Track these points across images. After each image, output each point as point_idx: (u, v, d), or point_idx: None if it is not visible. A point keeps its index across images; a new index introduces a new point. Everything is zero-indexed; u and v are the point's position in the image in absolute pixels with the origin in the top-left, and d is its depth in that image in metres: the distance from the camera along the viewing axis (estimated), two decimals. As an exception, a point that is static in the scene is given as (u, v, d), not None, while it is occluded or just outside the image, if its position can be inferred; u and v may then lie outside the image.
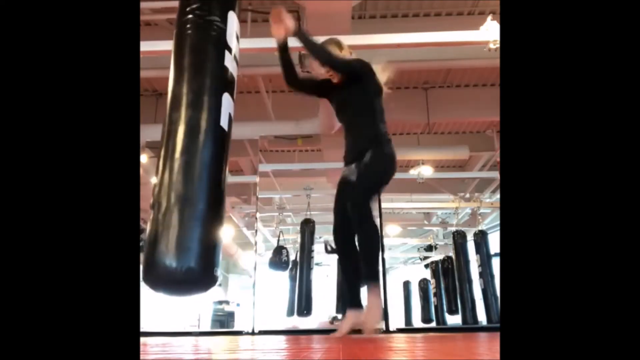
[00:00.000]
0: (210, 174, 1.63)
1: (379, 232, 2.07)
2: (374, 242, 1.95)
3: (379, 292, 1.91)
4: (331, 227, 2.19)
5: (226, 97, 1.76)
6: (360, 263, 1.98)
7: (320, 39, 2.38)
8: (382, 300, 1.97)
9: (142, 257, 1.57)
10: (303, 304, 5.60)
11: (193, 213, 1.54)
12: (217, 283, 1.64)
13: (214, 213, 1.61)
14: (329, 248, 5.87)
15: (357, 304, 2.00)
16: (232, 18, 1.87)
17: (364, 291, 2.00)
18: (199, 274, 1.53)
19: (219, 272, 1.63)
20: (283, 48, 2.15)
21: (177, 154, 1.60)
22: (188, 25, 1.80)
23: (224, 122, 1.72)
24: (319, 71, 2.23)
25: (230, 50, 1.83)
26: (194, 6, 1.82)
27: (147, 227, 1.58)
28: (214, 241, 1.59)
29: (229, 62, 1.82)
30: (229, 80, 1.82)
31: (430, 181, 6.31)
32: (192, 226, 1.53)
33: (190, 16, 1.81)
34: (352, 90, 2.12)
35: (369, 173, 2.02)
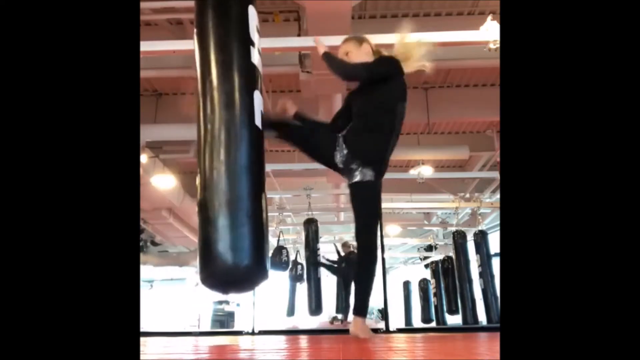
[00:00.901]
0: (253, 172, 1.66)
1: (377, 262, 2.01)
2: (372, 274, 1.95)
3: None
4: (331, 227, 2.18)
5: (257, 95, 1.76)
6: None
7: (330, 39, 2.38)
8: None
9: (197, 258, 1.64)
10: (314, 303, 5.59)
11: (242, 212, 1.60)
12: (269, 276, 1.72)
13: (260, 211, 1.66)
14: (342, 254, 5.88)
15: (365, 313, 1.96)
16: (252, 12, 1.84)
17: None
18: (254, 270, 1.60)
19: (269, 265, 1.71)
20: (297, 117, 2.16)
21: (220, 156, 1.63)
22: (210, 23, 1.77)
23: (258, 121, 1.74)
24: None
25: (254, 45, 1.81)
26: (213, 2, 1.78)
27: (199, 228, 1.63)
28: (262, 237, 1.66)
29: (255, 57, 1.80)
30: (257, 76, 1.82)
31: (430, 181, 6.31)
32: (243, 225, 1.58)
33: (210, 13, 1.77)
34: (377, 91, 1.99)
35: (372, 200, 1.96)
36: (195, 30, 1.81)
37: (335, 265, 5.87)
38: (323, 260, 5.90)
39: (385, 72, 1.99)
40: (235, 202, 1.59)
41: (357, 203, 1.95)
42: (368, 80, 2.01)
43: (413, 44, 2.07)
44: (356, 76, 2.05)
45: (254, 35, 1.82)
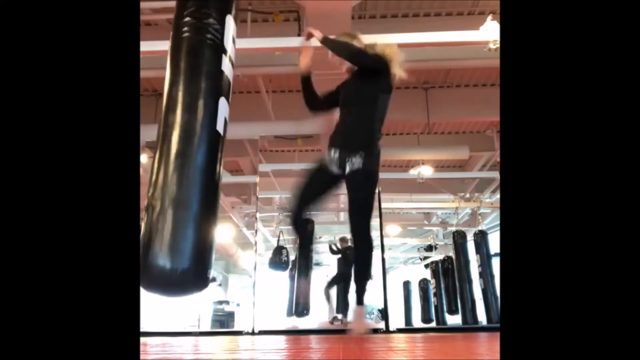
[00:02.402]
0: (205, 177, 1.65)
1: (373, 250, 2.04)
2: (369, 262, 1.98)
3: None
4: (332, 227, 2.21)
5: (222, 102, 1.78)
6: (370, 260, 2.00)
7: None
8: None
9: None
10: (300, 305, 5.60)
11: (187, 215, 1.56)
12: (211, 284, 1.66)
13: (208, 216, 1.63)
14: (334, 248, 5.87)
15: (363, 302, 1.99)
16: (230, 22, 1.88)
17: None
18: (192, 275, 1.55)
19: (212, 273, 1.65)
20: (307, 78, 2.26)
21: (172, 157, 1.62)
22: (185, 28, 1.81)
23: (219, 126, 1.75)
24: (337, 64, 2.24)
25: (226, 54, 1.85)
26: (192, 9, 1.82)
27: (142, 229, 1.58)
28: (207, 243, 1.62)
29: (226, 66, 1.83)
30: (225, 84, 1.84)
31: (430, 181, 6.30)
32: (185, 228, 1.55)
33: (187, 19, 1.81)
34: (364, 83, 2.11)
35: (366, 186, 2.01)
36: (171, 32, 1.84)
37: (339, 255, 5.86)
38: (334, 249, 5.88)
39: (382, 66, 2.08)
40: (182, 204, 1.57)
41: (351, 189, 2.01)
42: (369, 67, 2.11)
43: (393, 49, 2.18)
44: (361, 59, 2.12)
45: (229, 44, 1.86)
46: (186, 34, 1.80)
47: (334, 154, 2.04)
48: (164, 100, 1.75)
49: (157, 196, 1.58)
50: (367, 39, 2.30)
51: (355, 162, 1.97)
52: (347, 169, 1.99)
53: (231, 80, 1.89)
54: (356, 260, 1.99)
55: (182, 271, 1.51)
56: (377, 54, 2.13)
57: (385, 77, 2.10)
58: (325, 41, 2.15)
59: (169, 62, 1.80)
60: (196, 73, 1.75)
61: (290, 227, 2.10)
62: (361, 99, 2.10)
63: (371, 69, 2.09)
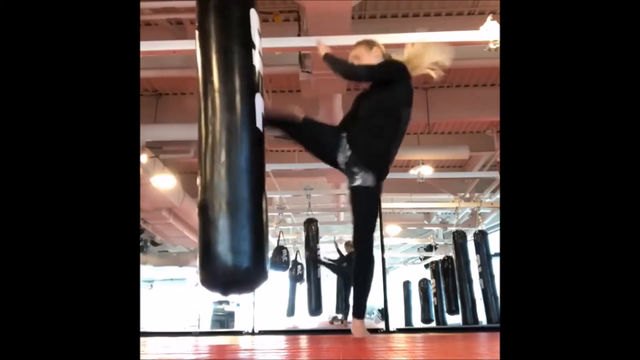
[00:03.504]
0: (253, 174, 1.68)
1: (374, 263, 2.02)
2: (368, 276, 1.96)
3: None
4: (331, 227, 2.20)
5: (258, 98, 1.78)
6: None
7: (330, 39, 2.44)
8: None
9: (198, 259, 1.65)
10: (314, 303, 5.58)
11: (243, 214, 1.61)
12: (269, 278, 1.73)
13: (261, 212, 1.67)
14: (339, 254, 5.88)
15: (363, 315, 1.97)
16: (254, 15, 1.86)
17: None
18: (255, 272, 1.61)
19: (269, 267, 1.73)
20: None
21: (222, 158, 1.64)
22: (212, 26, 1.78)
23: (259, 123, 1.75)
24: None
25: (255, 48, 1.83)
26: (215, 5, 1.80)
27: (200, 230, 1.64)
28: (263, 239, 1.67)
29: (256, 60, 1.82)
30: (258, 79, 1.83)
31: (430, 181, 6.30)
32: (243, 227, 1.60)
33: (212, 16, 1.79)
34: (379, 96, 2.00)
35: (369, 204, 1.98)
36: (197, 32, 1.82)
37: (336, 265, 5.87)
38: (324, 260, 5.89)
39: (387, 75, 2.00)
40: (236, 203, 1.60)
41: (356, 206, 1.97)
42: (366, 80, 2.05)
43: (422, 49, 2.07)
44: (355, 75, 2.08)
45: (255, 38, 1.84)
46: (213, 32, 1.77)
47: (349, 155, 1.93)
48: (200, 101, 1.74)
49: (212, 197, 1.61)
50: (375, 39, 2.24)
51: (367, 180, 1.90)
52: (356, 182, 1.92)
53: (262, 74, 1.87)
54: (355, 275, 1.95)
55: (245, 269, 1.57)
56: (389, 62, 2.05)
57: (402, 86, 1.97)
58: (326, 58, 2.10)
59: (199, 61, 1.77)
60: (230, 71, 1.74)
61: (366, 256, 2.00)
62: (380, 113, 1.98)
63: (380, 81, 2.00)
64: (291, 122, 2.09)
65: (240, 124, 1.68)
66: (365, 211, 1.97)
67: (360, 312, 1.91)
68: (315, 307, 5.60)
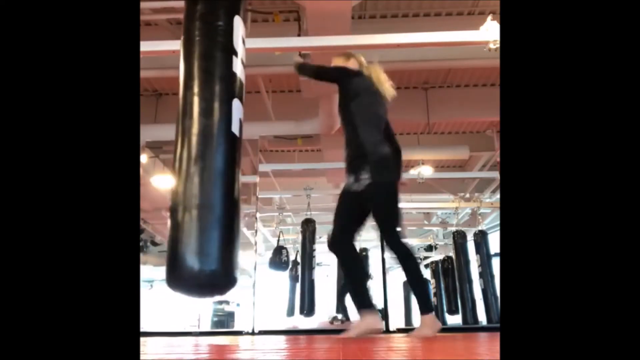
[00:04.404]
0: (225, 179, 1.69)
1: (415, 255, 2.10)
2: (416, 269, 2.03)
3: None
4: (331, 227, 2.21)
5: (236, 103, 1.81)
6: (361, 264, 2.05)
7: (330, 39, 2.72)
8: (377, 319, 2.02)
9: (166, 261, 1.65)
10: (306, 304, 5.59)
11: (212, 217, 1.61)
12: (237, 284, 1.74)
13: (231, 216, 1.68)
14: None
15: (369, 305, 2.01)
16: (238, 22, 1.90)
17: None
18: (221, 276, 1.61)
19: (238, 273, 1.71)
20: None
21: (193, 161, 1.66)
22: (196, 32, 1.83)
23: (235, 128, 1.77)
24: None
25: (237, 55, 1.87)
26: (201, 12, 1.84)
27: (168, 232, 1.64)
28: (232, 244, 1.67)
29: (237, 67, 1.86)
30: (238, 85, 1.86)
31: (430, 181, 6.30)
32: (212, 230, 1.60)
33: (197, 22, 1.84)
34: (339, 97, 2.28)
35: (382, 203, 2.08)
36: (182, 36, 1.86)
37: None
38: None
39: (334, 74, 2.31)
40: (205, 207, 1.61)
41: (370, 207, 2.10)
42: (321, 78, 2.37)
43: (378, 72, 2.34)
44: (315, 74, 2.37)
45: (238, 45, 1.88)
46: (197, 38, 1.82)
47: (350, 179, 2.14)
48: (180, 105, 1.78)
49: (182, 200, 1.63)
50: (365, 40, 2.43)
51: (362, 179, 2.05)
52: (360, 188, 2.06)
53: (243, 81, 1.92)
54: (405, 272, 2.02)
55: (211, 272, 1.56)
56: (334, 66, 2.33)
57: (346, 82, 2.22)
58: (296, 67, 2.41)
59: (182, 66, 1.82)
60: (209, 76, 1.78)
61: (336, 254, 2.13)
62: (342, 114, 2.25)
63: (332, 82, 2.30)
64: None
65: (216, 129, 1.71)
66: (379, 207, 2.07)
67: (427, 306, 1.97)
68: (308, 309, 5.60)
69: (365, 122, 2.13)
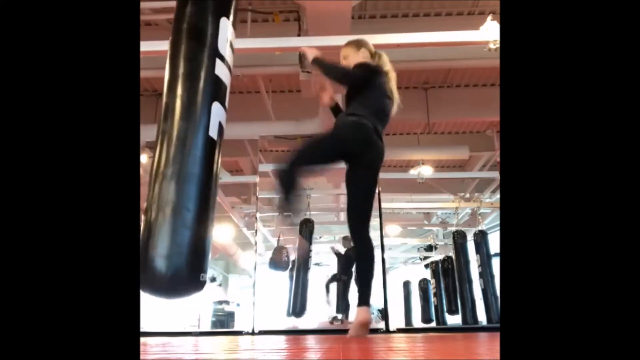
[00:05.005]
0: (199, 183, 1.69)
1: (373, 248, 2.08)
2: (371, 260, 2.03)
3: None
4: (331, 227, 2.23)
5: (216, 106, 1.81)
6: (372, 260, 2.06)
7: (330, 39, 2.63)
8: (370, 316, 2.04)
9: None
10: (298, 305, 5.61)
11: (181, 220, 1.61)
12: (211, 284, 1.73)
13: (202, 221, 1.67)
14: (336, 252, 5.89)
15: (368, 302, 2.03)
16: (224, 24, 1.89)
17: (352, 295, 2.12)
18: (185, 278, 1.60)
19: (213, 273, 1.71)
20: (334, 107, 2.37)
21: (168, 164, 1.67)
22: (182, 34, 1.84)
23: (213, 132, 1.77)
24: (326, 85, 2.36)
25: (222, 58, 1.86)
26: (188, 13, 1.85)
27: (141, 233, 1.64)
28: (201, 247, 1.65)
29: (220, 70, 1.85)
30: (220, 88, 1.86)
31: (430, 181, 6.30)
32: (180, 232, 1.60)
33: (184, 24, 1.85)
34: (358, 90, 2.18)
35: (377, 170, 2.11)
36: (170, 37, 1.87)
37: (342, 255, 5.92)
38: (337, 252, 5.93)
39: (364, 77, 2.17)
40: (177, 209, 1.61)
41: (360, 177, 2.09)
42: (352, 84, 2.20)
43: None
44: (348, 78, 2.21)
45: (224, 48, 1.88)
46: (183, 39, 1.83)
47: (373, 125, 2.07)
48: (162, 107, 1.79)
49: (154, 201, 1.63)
50: (375, 40, 2.38)
51: (378, 141, 2.04)
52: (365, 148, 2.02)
53: (227, 84, 1.91)
54: (357, 266, 2.04)
55: (175, 274, 1.56)
56: (364, 69, 2.20)
57: (378, 83, 2.18)
58: (315, 62, 2.21)
59: (168, 68, 1.83)
60: (192, 79, 1.78)
61: (279, 179, 2.01)
62: (353, 96, 2.18)
63: (358, 85, 2.17)
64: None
65: (191, 132, 1.72)
66: (367, 182, 2.09)
67: (365, 299, 1.98)
68: (300, 309, 5.62)
69: (371, 108, 2.14)
